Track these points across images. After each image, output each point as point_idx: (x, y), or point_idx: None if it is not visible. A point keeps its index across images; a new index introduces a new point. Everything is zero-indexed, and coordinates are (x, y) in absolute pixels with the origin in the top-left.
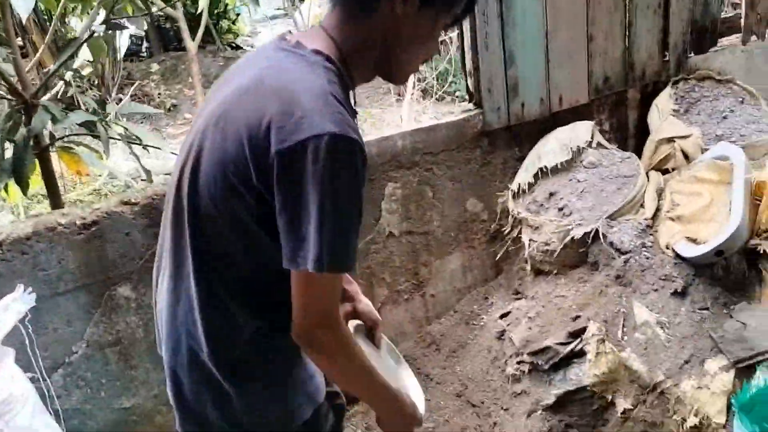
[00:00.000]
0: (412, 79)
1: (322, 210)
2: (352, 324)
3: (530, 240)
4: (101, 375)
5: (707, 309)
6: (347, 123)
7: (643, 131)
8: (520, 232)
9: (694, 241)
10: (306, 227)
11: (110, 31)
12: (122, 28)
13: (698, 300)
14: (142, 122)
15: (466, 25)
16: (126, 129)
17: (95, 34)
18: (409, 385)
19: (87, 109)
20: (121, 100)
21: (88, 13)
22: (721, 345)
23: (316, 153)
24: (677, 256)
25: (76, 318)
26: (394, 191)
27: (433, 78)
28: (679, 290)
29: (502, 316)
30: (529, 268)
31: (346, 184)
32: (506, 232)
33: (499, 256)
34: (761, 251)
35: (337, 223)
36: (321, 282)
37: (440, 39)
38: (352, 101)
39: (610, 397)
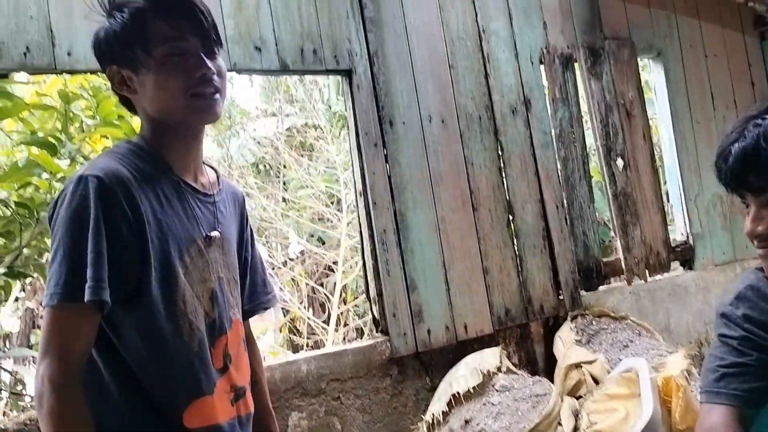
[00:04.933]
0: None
1: (56, 248)
2: None
3: None
4: None
5: None
6: (101, 166)
7: (551, 366)
8: None
9: None
10: (50, 269)
11: None
12: None
13: None
14: None
15: (367, 253)
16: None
17: None
18: None
19: None
20: None
21: None
22: None
23: (62, 197)
24: None
25: None
26: (299, 422)
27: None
28: None
29: None
30: None
31: (77, 217)
32: None
33: None
34: None
35: (66, 255)
36: (54, 316)
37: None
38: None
39: None
